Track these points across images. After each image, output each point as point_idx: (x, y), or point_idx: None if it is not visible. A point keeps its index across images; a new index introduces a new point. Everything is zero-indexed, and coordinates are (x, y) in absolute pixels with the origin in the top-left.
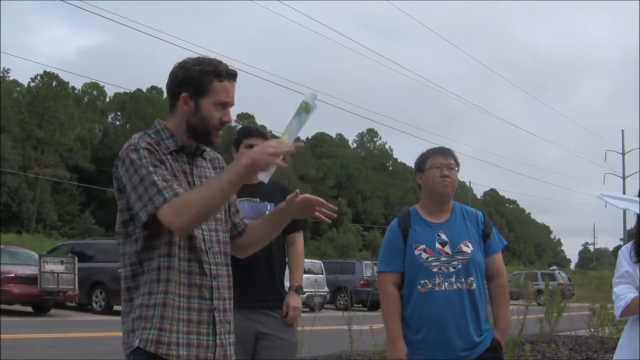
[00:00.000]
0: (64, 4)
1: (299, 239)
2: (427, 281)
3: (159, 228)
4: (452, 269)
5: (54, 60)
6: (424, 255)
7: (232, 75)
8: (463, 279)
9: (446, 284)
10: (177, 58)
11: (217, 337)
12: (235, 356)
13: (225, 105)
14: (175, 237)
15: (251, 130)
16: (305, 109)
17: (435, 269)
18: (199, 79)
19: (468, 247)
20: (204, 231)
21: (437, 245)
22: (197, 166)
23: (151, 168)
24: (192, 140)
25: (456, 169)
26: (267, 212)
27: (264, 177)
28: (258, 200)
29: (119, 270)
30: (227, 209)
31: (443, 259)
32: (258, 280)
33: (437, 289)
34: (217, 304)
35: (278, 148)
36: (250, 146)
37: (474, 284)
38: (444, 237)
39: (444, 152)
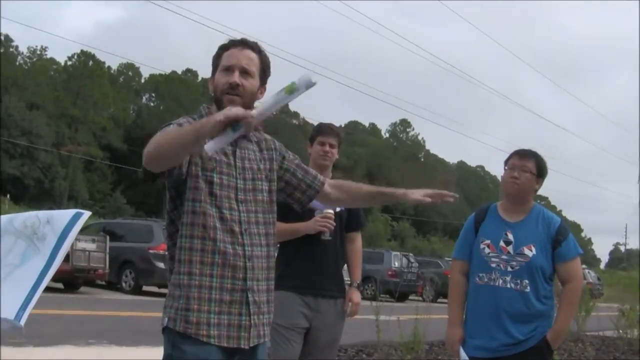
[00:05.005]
0: None
1: (358, 237)
2: (484, 274)
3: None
4: (509, 269)
5: (84, 37)
6: (487, 250)
7: (237, 42)
8: (518, 281)
9: (500, 280)
10: (214, 43)
11: (252, 317)
12: (288, 337)
13: (230, 68)
14: (208, 219)
15: (325, 129)
16: (289, 90)
17: (493, 265)
18: (214, 58)
19: (531, 250)
20: (242, 212)
21: (501, 243)
22: (241, 147)
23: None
24: None
25: (533, 172)
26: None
27: (211, 145)
28: None
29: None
30: (273, 191)
31: (503, 257)
32: (326, 271)
33: (492, 283)
34: (250, 285)
35: (244, 112)
36: (323, 143)
37: (528, 287)
38: (510, 236)
39: (521, 154)
